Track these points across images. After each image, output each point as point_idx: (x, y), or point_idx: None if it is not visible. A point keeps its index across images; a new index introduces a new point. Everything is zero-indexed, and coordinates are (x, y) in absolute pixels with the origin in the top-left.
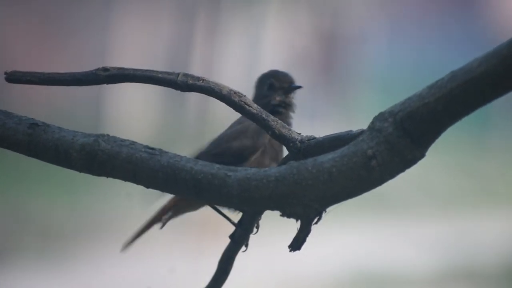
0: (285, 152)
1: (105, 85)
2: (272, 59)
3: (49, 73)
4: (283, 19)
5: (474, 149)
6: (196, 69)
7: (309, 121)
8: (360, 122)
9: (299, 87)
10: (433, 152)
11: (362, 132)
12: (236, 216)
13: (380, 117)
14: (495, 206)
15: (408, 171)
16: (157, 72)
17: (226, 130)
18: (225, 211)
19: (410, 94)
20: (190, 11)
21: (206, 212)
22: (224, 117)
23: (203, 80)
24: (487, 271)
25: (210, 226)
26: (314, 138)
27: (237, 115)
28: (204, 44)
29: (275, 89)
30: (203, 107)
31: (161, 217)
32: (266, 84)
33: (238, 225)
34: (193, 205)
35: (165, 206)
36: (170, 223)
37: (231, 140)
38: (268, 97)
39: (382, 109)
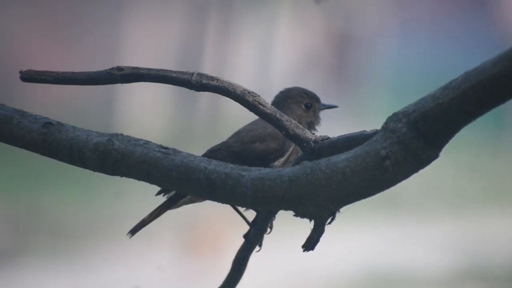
0: None
1: (118, 84)
2: (283, 59)
3: (63, 73)
4: (295, 19)
5: (487, 149)
6: (208, 69)
7: (322, 121)
8: (372, 122)
9: (334, 106)
10: (445, 152)
11: (375, 132)
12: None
13: (394, 118)
14: (507, 206)
15: (420, 171)
16: (171, 71)
17: (249, 127)
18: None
19: (421, 95)
20: (202, 11)
21: (211, 212)
22: (236, 116)
23: (217, 79)
24: (499, 272)
25: (224, 226)
26: (328, 138)
27: (251, 115)
28: (216, 44)
29: (314, 109)
30: (215, 107)
31: (169, 207)
32: (302, 103)
33: (252, 225)
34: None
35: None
36: (181, 223)
37: (256, 141)
38: (307, 117)
39: (394, 110)
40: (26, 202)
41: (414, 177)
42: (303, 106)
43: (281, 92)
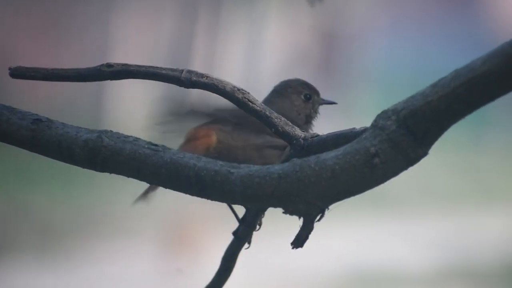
0: None
1: (107, 81)
2: (273, 57)
3: (53, 69)
4: (284, 17)
5: (473, 146)
6: (198, 66)
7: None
8: (360, 120)
9: (333, 103)
10: (431, 150)
11: (365, 130)
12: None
13: (383, 115)
14: (493, 204)
15: (408, 168)
16: (161, 68)
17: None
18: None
19: (410, 93)
20: (191, 8)
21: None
22: None
23: (207, 77)
24: (486, 269)
25: (213, 223)
26: (317, 135)
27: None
28: (205, 41)
29: (313, 101)
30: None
31: None
32: (302, 93)
33: (241, 222)
34: None
35: None
36: (170, 220)
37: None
38: (305, 108)
39: (383, 108)
40: (14, 200)
41: (401, 176)
42: (302, 97)
43: (282, 82)
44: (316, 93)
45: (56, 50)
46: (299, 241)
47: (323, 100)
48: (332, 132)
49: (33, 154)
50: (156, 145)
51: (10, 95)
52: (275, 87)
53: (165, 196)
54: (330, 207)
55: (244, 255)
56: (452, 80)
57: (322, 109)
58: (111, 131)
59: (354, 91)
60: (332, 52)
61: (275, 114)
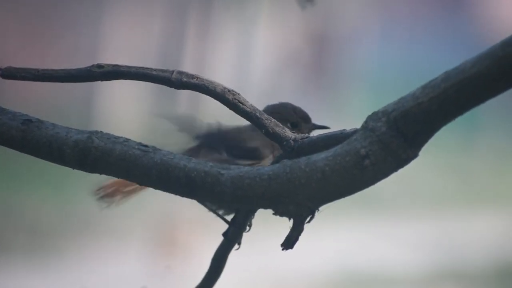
0: None
1: (97, 82)
2: (263, 58)
3: (43, 70)
4: (275, 18)
5: (462, 149)
6: (188, 67)
7: None
8: (351, 122)
9: (325, 127)
10: (421, 152)
11: (355, 131)
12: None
13: (374, 117)
14: (483, 206)
15: (399, 170)
16: (151, 69)
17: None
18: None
19: (401, 94)
20: (182, 8)
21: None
22: (216, 115)
23: (197, 78)
24: (475, 271)
25: (203, 224)
26: (308, 136)
27: (230, 113)
28: (196, 42)
29: (300, 129)
30: (194, 105)
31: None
32: (289, 121)
33: (231, 223)
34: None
35: None
36: (160, 221)
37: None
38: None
39: (373, 109)
40: (3, 200)
41: (391, 177)
42: (288, 125)
43: (274, 105)
44: (305, 119)
45: (46, 50)
46: (289, 243)
47: (315, 125)
48: (323, 134)
49: (22, 154)
50: (146, 146)
51: (0, 95)
52: (265, 107)
53: (155, 196)
54: (320, 208)
55: (234, 256)
56: (443, 81)
57: (313, 110)
58: (101, 131)
59: (345, 92)
60: (322, 54)
61: (265, 116)
